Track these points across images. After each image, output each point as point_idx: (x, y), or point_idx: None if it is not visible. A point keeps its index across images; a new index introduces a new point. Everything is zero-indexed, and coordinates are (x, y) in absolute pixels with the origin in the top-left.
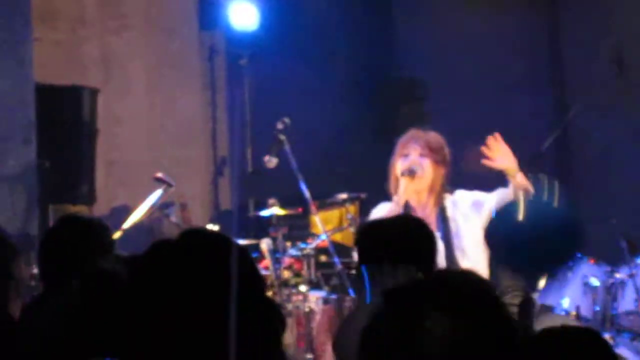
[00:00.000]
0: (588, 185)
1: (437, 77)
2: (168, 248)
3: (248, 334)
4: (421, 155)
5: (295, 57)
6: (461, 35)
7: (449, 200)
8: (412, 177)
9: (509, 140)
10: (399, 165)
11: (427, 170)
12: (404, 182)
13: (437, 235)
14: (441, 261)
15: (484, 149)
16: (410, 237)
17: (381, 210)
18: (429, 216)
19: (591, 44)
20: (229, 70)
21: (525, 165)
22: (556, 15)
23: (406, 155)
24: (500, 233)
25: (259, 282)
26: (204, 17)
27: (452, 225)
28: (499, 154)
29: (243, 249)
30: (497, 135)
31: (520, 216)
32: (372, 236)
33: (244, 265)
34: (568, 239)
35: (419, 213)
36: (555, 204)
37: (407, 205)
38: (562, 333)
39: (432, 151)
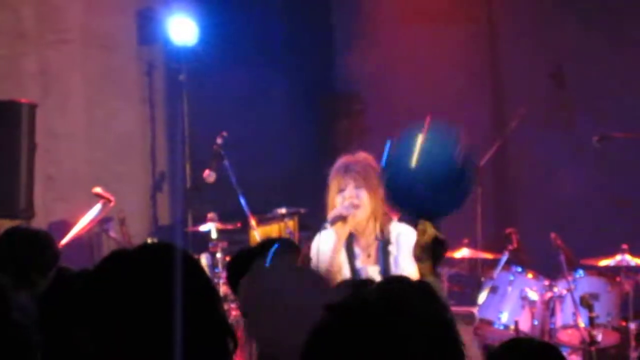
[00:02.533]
0: (527, 200)
1: (376, 91)
2: (123, 260)
3: (199, 351)
4: (357, 187)
5: (234, 72)
6: (400, 49)
7: (395, 230)
8: (344, 221)
9: None
10: (337, 201)
11: (365, 201)
12: (336, 228)
13: (376, 269)
14: None
15: None
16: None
17: (327, 243)
18: (371, 247)
19: (530, 59)
20: (168, 84)
21: None
22: (495, 30)
23: (342, 190)
24: (395, 181)
25: (213, 299)
26: (143, 32)
27: (391, 259)
28: None
29: (198, 264)
30: None
31: (413, 162)
32: None
33: (199, 281)
34: (461, 183)
35: (362, 243)
36: (452, 149)
37: (350, 236)
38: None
39: (366, 179)
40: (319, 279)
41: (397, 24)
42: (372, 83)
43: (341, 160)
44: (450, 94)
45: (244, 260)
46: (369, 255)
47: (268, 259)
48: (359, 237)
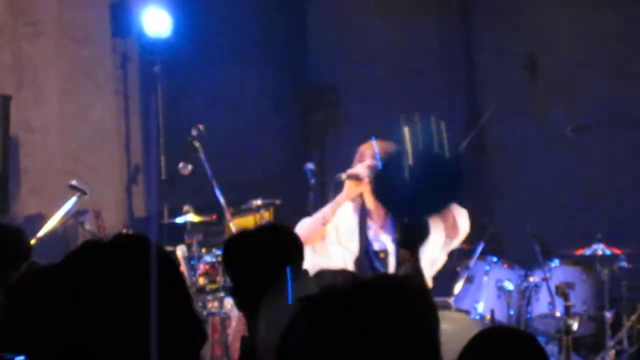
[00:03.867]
0: (502, 190)
1: (350, 83)
2: (96, 250)
3: (167, 346)
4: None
5: (208, 64)
6: (374, 41)
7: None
8: (358, 181)
9: None
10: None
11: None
12: (348, 184)
13: (389, 238)
14: (392, 263)
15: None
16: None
17: (346, 219)
18: (382, 219)
19: (504, 50)
20: (142, 76)
21: None
22: (469, 21)
23: (362, 161)
24: (392, 183)
25: (185, 294)
26: (117, 24)
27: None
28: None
29: (170, 258)
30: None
31: (410, 161)
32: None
33: (170, 275)
34: (452, 182)
35: (375, 217)
36: (443, 146)
37: (363, 209)
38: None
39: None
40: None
41: (371, 14)
42: (347, 75)
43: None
44: (425, 85)
45: (240, 244)
46: (381, 227)
47: (288, 284)
48: (374, 209)
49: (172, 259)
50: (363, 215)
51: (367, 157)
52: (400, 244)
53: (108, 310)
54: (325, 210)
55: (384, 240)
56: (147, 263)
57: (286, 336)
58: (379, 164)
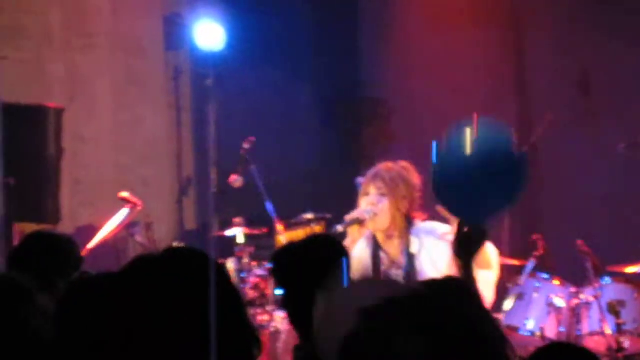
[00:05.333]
0: (553, 206)
1: (402, 97)
2: (150, 264)
3: (224, 357)
4: (381, 194)
5: (260, 77)
6: (426, 55)
7: (420, 231)
8: (361, 224)
9: None
10: (361, 204)
11: (384, 210)
12: (351, 230)
13: (400, 273)
14: None
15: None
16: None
17: (364, 251)
18: (396, 254)
19: (556, 64)
20: (194, 89)
21: None
22: (522, 37)
23: (368, 194)
24: (448, 176)
25: (240, 305)
26: (170, 37)
27: (417, 264)
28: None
29: (224, 271)
30: None
31: (467, 150)
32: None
33: (225, 287)
34: (514, 178)
35: (387, 249)
36: (508, 143)
37: (375, 243)
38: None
39: (391, 188)
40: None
41: (423, 28)
42: (398, 88)
43: (377, 166)
44: (476, 99)
45: (289, 256)
46: (393, 261)
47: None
48: (384, 243)
49: (225, 270)
50: (376, 249)
51: (370, 189)
52: (455, 253)
53: (163, 322)
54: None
55: (395, 276)
56: (201, 276)
57: (349, 347)
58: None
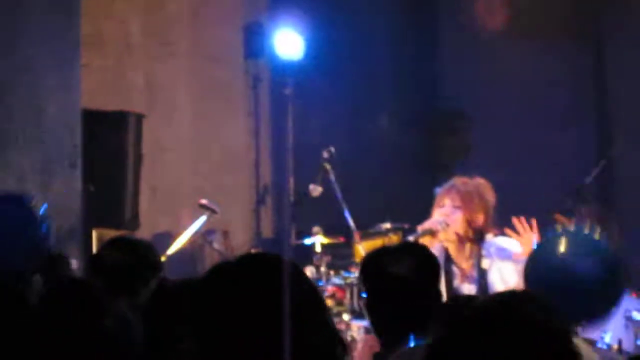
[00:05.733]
0: (632, 218)
1: (480, 109)
2: (229, 270)
3: (308, 357)
4: (455, 206)
5: (339, 87)
6: (505, 68)
7: (491, 246)
8: (433, 235)
9: (553, 173)
10: (435, 215)
11: (457, 222)
12: (424, 241)
13: (472, 287)
14: None
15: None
16: None
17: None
18: (467, 267)
19: (637, 77)
20: (273, 98)
21: (570, 198)
22: (601, 49)
23: (442, 206)
24: (539, 272)
25: (321, 307)
26: (249, 46)
27: (488, 279)
28: (523, 240)
29: (303, 274)
30: (523, 221)
31: (562, 248)
32: None
33: (305, 290)
34: (613, 278)
35: (459, 262)
36: (601, 247)
37: (446, 256)
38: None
39: (466, 202)
40: None
41: (503, 40)
42: (477, 101)
43: (453, 180)
44: (555, 112)
45: (377, 262)
46: (465, 275)
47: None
48: (456, 256)
49: (303, 273)
50: (448, 262)
51: (445, 201)
52: None
53: (243, 326)
54: None
55: (467, 291)
56: (278, 279)
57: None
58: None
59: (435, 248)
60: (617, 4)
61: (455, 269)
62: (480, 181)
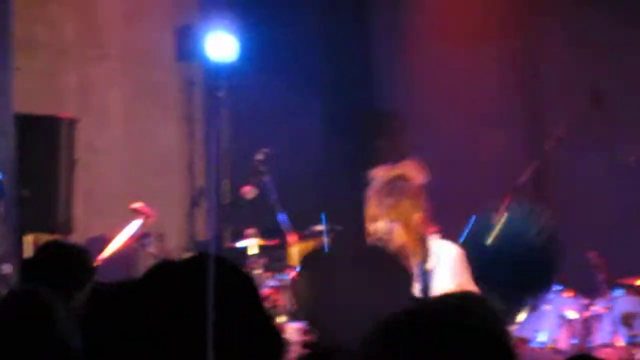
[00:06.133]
0: (565, 218)
1: (415, 110)
2: (167, 271)
3: (249, 357)
4: (390, 220)
5: (273, 88)
6: (439, 69)
7: (434, 246)
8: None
9: (487, 173)
10: (371, 229)
11: (397, 234)
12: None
13: (416, 287)
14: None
15: None
16: None
17: None
18: (412, 266)
19: (567, 77)
20: (207, 101)
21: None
22: (532, 48)
23: (375, 220)
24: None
25: (261, 306)
26: (182, 48)
27: (430, 277)
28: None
29: (242, 273)
30: None
31: (490, 240)
32: None
33: (244, 289)
34: (543, 266)
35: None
36: (534, 229)
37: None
38: None
39: (399, 211)
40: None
41: (435, 41)
42: (410, 101)
43: (378, 182)
44: (488, 113)
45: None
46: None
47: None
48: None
49: (245, 272)
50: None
51: (379, 216)
52: None
53: (184, 327)
54: None
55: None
56: (219, 280)
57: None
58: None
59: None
60: (546, 4)
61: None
62: (403, 172)
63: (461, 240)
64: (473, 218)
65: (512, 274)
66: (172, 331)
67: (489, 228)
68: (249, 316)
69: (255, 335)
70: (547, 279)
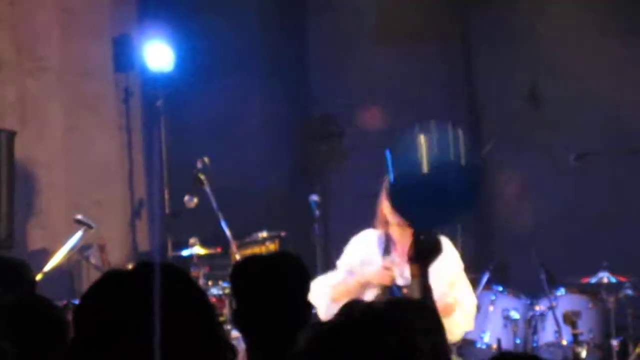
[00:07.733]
0: (506, 218)
1: (352, 113)
2: (115, 279)
3: None
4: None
5: (211, 97)
6: (376, 70)
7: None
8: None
9: None
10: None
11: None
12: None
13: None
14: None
15: None
16: None
17: (368, 237)
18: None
19: (505, 78)
20: (145, 111)
21: None
22: (470, 50)
23: (387, 223)
24: (402, 187)
25: (210, 313)
26: (119, 59)
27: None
28: None
29: (191, 281)
30: None
31: (425, 168)
32: None
33: (193, 296)
34: (472, 186)
35: (400, 249)
36: (460, 154)
37: (388, 241)
38: None
39: (404, 228)
40: None
41: (372, 44)
42: (348, 105)
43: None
44: (427, 114)
45: (248, 268)
46: (407, 262)
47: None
48: (398, 244)
49: (194, 281)
50: (388, 248)
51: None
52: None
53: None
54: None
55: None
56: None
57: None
58: (392, 176)
59: (375, 240)
60: (480, 5)
61: (395, 254)
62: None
63: (392, 179)
64: (387, 152)
65: (442, 198)
66: (121, 338)
67: (416, 155)
68: (198, 322)
69: (204, 342)
70: (470, 202)
